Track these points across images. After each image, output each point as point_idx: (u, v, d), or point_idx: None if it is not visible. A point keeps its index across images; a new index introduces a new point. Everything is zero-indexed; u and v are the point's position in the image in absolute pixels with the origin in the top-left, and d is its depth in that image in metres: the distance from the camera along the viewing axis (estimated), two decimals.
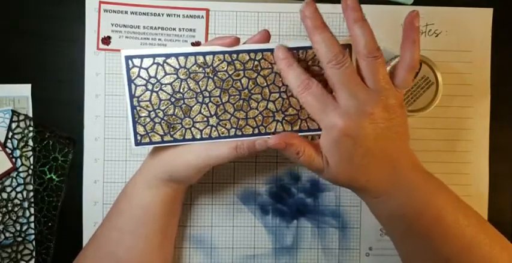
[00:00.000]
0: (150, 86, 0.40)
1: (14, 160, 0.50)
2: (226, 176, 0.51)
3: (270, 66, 0.41)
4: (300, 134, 0.41)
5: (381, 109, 0.38)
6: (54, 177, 0.50)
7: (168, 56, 0.40)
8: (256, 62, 0.41)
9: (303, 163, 0.39)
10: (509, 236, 0.52)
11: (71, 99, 0.51)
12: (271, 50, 0.40)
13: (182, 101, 0.40)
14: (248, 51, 0.40)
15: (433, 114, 0.50)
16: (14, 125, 0.50)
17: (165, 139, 0.40)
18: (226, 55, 0.40)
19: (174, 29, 0.50)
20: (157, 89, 0.40)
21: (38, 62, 0.51)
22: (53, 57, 0.51)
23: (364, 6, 0.51)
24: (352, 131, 0.37)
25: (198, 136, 0.41)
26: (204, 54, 0.40)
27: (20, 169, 0.50)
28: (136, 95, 0.40)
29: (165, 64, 0.40)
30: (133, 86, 0.40)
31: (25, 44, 0.50)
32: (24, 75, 0.50)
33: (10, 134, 0.50)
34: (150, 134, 0.40)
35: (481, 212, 0.51)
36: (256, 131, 0.41)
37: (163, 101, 0.40)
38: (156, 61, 0.40)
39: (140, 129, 0.40)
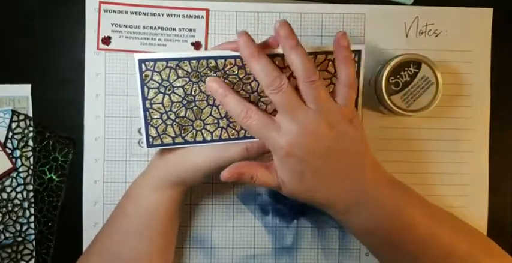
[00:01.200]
0: (162, 89, 0.40)
1: (14, 160, 0.50)
2: None
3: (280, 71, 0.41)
4: None
5: (323, 127, 0.38)
6: (54, 177, 0.50)
7: (181, 60, 0.40)
8: None
9: (260, 185, 0.41)
10: (509, 236, 0.52)
11: (71, 99, 0.51)
12: (282, 55, 0.40)
13: (193, 104, 0.41)
14: None
15: (433, 114, 0.50)
16: (14, 125, 0.50)
17: (177, 140, 0.41)
18: (238, 60, 0.40)
19: (174, 29, 0.50)
20: (170, 91, 0.40)
21: (38, 62, 0.51)
22: (53, 57, 0.51)
23: (364, 6, 0.51)
24: (296, 151, 0.38)
25: (209, 138, 0.41)
26: (216, 58, 0.40)
27: (20, 169, 0.50)
28: (149, 97, 0.40)
29: (177, 68, 0.40)
30: (146, 89, 0.40)
31: (25, 44, 0.50)
32: (24, 75, 0.50)
33: (10, 134, 0.50)
34: (162, 136, 0.41)
35: (481, 212, 0.51)
36: None
37: (175, 104, 0.41)
38: (169, 65, 0.40)
39: (152, 131, 0.41)
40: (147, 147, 0.41)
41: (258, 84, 0.41)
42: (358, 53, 0.42)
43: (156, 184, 0.43)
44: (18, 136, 0.50)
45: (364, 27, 0.51)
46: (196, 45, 0.50)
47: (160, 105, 0.41)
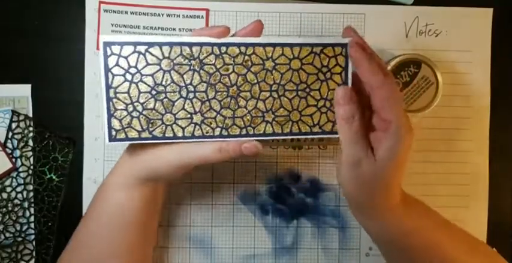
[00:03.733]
0: (129, 77, 0.36)
1: (14, 160, 0.49)
2: (226, 176, 0.51)
3: (261, 62, 0.38)
4: (290, 137, 0.40)
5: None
6: (54, 177, 0.50)
7: (151, 44, 0.36)
8: (246, 57, 0.38)
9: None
10: (509, 236, 0.52)
11: (71, 99, 0.50)
12: (264, 45, 0.38)
13: (164, 95, 0.37)
14: (238, 45, 0.38)
15: (433, 114, 0.50)
16: (14, 125, 0.50)
17: (143, 135, 0.37)
18: (215, 47, 0.37)
19: (174, 29, 0.50)
20: (137, 80, 0.36)
21: (38, 62, 0.51)
22: (53, 57, 0.51)
23: (364, 6, 0.51)
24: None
25: (180, 134, 0.38)
26: (190, 45, 0.37)
27: (20, 169, 0.50)
28: (113, 85, 0.36)
29: (147, 53, 0.36)
30: (110, 76, 0.36)
31: (25, 44, 0.50)
32: (24, 75, 0.50)
33: (10, 134, 0.50)
34: (126, 129, 0.37)
35: (481, 212, 0.51)
36: (244, 131, 0.38)
37: (143, 94, 0.37)
38: (137, 49, 0.36)
39: (115, 124, 0.36)
40: (109, 141, 0.36)
41: (238, 77, 0.38)
42: (345, 47, 0.39)
43: (127, 183, 0.41)
44: (18, 136, 0.50)
45: (364, 27, 0.51)
46: None
47: (126, 94, 0.36)
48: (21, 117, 0.50)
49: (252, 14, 0.51)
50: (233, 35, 0.39)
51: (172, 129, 0.37)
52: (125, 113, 0.36)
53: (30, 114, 0.50)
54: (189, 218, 0.51)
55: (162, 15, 0.50)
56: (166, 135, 0.37)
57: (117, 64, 0.36)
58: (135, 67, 0.36)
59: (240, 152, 0.38)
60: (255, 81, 0.38)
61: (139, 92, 0.37)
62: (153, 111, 0.37)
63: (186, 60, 0.37)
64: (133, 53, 0.36)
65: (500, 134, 0.52)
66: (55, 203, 0.50)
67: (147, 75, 0.36)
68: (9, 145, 0.50)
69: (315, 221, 0.51)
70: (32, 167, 0.50)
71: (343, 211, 0.51)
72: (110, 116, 0.36)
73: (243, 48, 0.38)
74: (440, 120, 0.51)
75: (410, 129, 0.37)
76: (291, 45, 0.39)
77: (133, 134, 0.37)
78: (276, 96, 0.39)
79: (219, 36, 0.37)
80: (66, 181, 0.50)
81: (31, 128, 0.50)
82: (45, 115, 0.50)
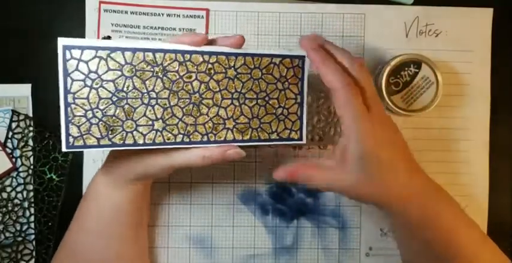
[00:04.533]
0: (89, 82, 0.35)
1: (14, 159, 0.50)
2: (226, 176, 0.51)
3: (223, 71, 0.39)
4: (249, 144, 0.40)
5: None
6: (54, 177, 0.50)
7: (113, 49, 0.35)
8: (209, 65, 0.38)
9: (320, 187, 0.41)
10: (509, 236, 0.52)
11: None
12: (226, 54, 0.39)
13: (125, 101, 0.36)
14: (202, 53, 0.38)
15: (433, 115, 0.50)
16: (14, 125, 0.50)
17: (102, 142, 0.36)
18: (179, 55, 0.37)
19: (174, 29, 0.50)
20: (98, 85, 0.35)
21: (38, 62, 0.51)
22: (53, 57, 0.50)
23: (364, 6, 0.51)
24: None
25: (141, 141, 0.37)
26: (154, 51, 0.36)
27: (20, 169, 0.50)
28: (72, 91, 0.35)
29: (108, 59, 0.35)
30: (69, 81, 0.34)
31: (25, 44, 0.50)
32: (24, 75, 0.50)
33: (10, 134, 0.50)
34: (84, 136, 0.35)
35: (481, 212, 0.51)
36: (205, 138, 0.39)
37: (103, 100, 0.35)
38: (98, 54, 0.35)
39: (74, 131, 0.35)
40: (66, 148, 0.35)
41: (200, 85, 0.38)
42: (302, 58, 0.41)
43: (115, 182, 0.41)
44: (18, 136, 0.50)
45: (364, 27, 0.51)
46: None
47: (86, 100, 0.35)
48: (21, 117, 0.50)
49: (252, 14, 0.51)
50: (210, 43, 0.39)
51: (133, 136, 0.36)
52: (83, 119, 0.35)
53: (30, 114, 0.50)
54: (189, 218, 0.51)
55: (162, 15, 0.50)
56: (127, 142, 0.36)
57: (76, 69, 0.35)
58: (96, 72, 0.35)
59: (223, 159, 0.38)
60: (217, 89, 0.39)
61: (100, 98, 0.35)
62: (113, 117, 0.36)
63: (149, 67, 0.36)
64: (94, 58, 0.35)
65: (500, 134, 0.52)
66: (55, 203, 0.50)
67: (108, 81, 0.35)
68: (9, 144, 0.50)
69: (315, 221, 0.51)
70: (32, 167, 0.50)
71: (343, 211, 0.51)
72: (68, 122, 0.35)
73: (206, 57, 0.38)
74: (440, 120, 0.51)
75: (340, 86, 0.38)
76: (253, 56, 0.40)
77: (91, 141, 0.35)
78: (237, 104, 0.39)
79: (197, 45, 0.37)
80: (66, 180, 0.50)
81: (31, 128, 0.50)
82: (45, 115, 0.50)
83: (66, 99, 0.35)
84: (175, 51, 0.37)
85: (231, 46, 0.39)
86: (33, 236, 0.50)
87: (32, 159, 0.50)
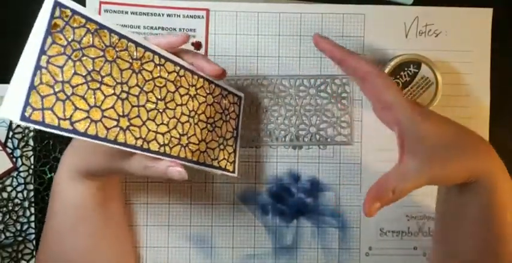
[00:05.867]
0: (69, 51, 0.30)
1: (14, 159, 0.50)
2: (226, 176, 0.51)
3: (187, 87, 0.39)
4: (195, 165, 0.40)
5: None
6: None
7: (102, 26, 0.33)
8: (177, 77, 0.38)
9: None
10: None
11: None
12: (193, 72, 0.39)
13: (98, 85, 0.32)
14: (175, 63, 0.38)
15: None
16: (14, 125, 0.50)
17: (62, 125, 0.29)
18: (156, 56, 0.36)
19: (174, 29, 0.50)
20: (76, 58, 0.31)
21: None
22: None
23: (364, 6, 0.51)
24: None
25: (102, 135, 0.32)
26: (137, 44, 0.35)
27: (21, 169, 0.50)
28: (48, 53, 0.29)
29: (95, 34, 0.32)
30: (49, 40, 0.29)
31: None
32: None
33: (10, 133, 0.50)
34: (45, 111, 0.29)
35: None
36: (162, 150, 0.36)
37: (76, 76, 0.30)
38: (87, 25, 0.32)
39: (35, 100, 0.28)
40: (20, 119, 0.27)
41: (167, 93, 0.37)
42: (239, 98, 0.44)
43: (73, 177, 0.40)
44: (19, 136, 0.50)
45: (364, 28, 0.51)
46: (197, 46, 0.51)
47: (59, 69, 0.30)
48: None
49: (252, 14, 0.51)
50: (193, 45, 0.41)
51: (96, 127, 0.31)
52: (50, 90, 0.29)
53: None
54: (189, 218, 0.51)
55: (162, 15, 0.50)
56: (89, 132, 0.31)
57: (61, 31, 0.30)
58: (79, 43, 0.31)
59: (164, 174, 0.36)
60: (180, 102, 0.39)
61: (74, 73, 0.30)
62: (82, 100, 0.31)
63: (129, 58, 0.34)
64: (82, 26, 0.31)
65: (500, 133, 0.52)
66: None
67: (88, 57, 0.31)
68: (9, 144, 0.50)
69: (315, 221, 0.51)
70: (32, 166, 0.50)
71: (343, 211, 0.51)
72: (32, 88, 0.28)
73: (177, 68, 0.38)
74: None
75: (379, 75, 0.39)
76: (210, 82, 0.42)
77: (51, 119, 0.29)
78: (192, 122, 0.40)
79: (174, 46, 0.38)
80: None
81: (31, 128, 0.50)
82: None
83: (39, 61, 0.29)
84: (154, 52, 0.36)
85: (209, 74, 0.40)
86: (33, 236, 0.50)
87: (32, 159, 0.50)
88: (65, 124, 0.30)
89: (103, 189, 0.43)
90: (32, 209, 0.50)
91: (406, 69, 0.47)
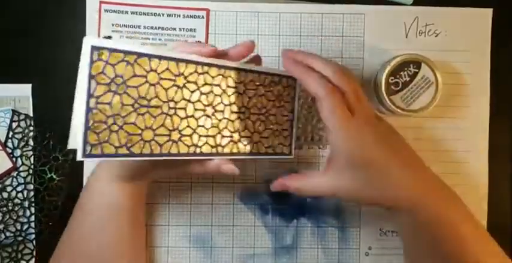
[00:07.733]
0: (113, 87, 0.32)
1: (14, 159, 0.50)
2: (226, 176, 0.51)
3: (234, 85, 0.40)
4: (249, 157, 0.41)
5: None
6: (54, 176, 0.50)
7: (141, 55, 0.34)
8: (223, 79, 0.39)
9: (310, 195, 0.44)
10: (508, 237, 0.52)
11: (72, 99, 0.50)
12: (240, 70, 0.39)
13: (146, 109, 0.34)
14: (219, 67, 0.38)
15: (433, 114, 0.50)
16: (14, 125, 0.50)
17: (120, 151, 0.33)
18: (199, 66, 0.37)
19: (175, 29, 0.51)
20: (122, 91, 0.33)
21: (38, 62, 0.51)
22: (54, 57, 0.51)
23: (364, 6, 0.51)
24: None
25: (157, 151, 0.35)
26: (178, 61, 0.36)
27: (21, 169, 0.50)
28: (95, 94, 0.32)
29: (135, 64, 0.34)
30: (93, 84, 0.32)
31: (25, 44, 0.51)
32: (25, 75, 0.50)
33: (11, 133, 0.50)
34: (103, 145, 0.32)
35: (480, 212, 0.51)
36: (215, 150, 0.39)
37: (125, 107, 0.33)
38: (126, 58, 0.33)
39: (92, 138, 0.32)
40: (82, 157, 0.31)
41: (215, 97, 0.38)
42: (294, 79, 0.43)
43: (114, 178, 0.42)
44: (19, 136, 0.50)
45: (364, 28, 0.51)
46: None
47: (108, 106, 0.32)
48: (22, 117, 0.50)
49: (252, 14, 0.51)
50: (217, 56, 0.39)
51: (150, 146, 0.35)
52: (103, 126, 0.32)
53: (31, 114, 0.50)
54: (189, 218, 0.51)
55: (162, 15, 0.50)
56: (144, 152, 0.34)
57: (103, 72, 0.32)
58: (122, 77, 0.33)
59: (217, 172, 0.39)
60: (228, 102, 0.39)
61: (122, 105, 0.33)
62: (134, 126, 0.34)
63: (172, 76, 0.36)
64: (121, 61, 0.33)
65: (499, 134, 0.52)
66: (55, 202, 0.50)
67: (132, 87, 0.33)
68: (9, 144, 0.50)
69: (315, 220, 0.51)
70: (32, 166, 0.50)
71: (342, 211, 0.51)
72: (87, 128, 0.31)
73: (222, 70, 0.39)
74: (440, 120, 0.51)
75: (326, 94, 0.39)
76: (259, 73, 0.41)
77: (109, 149, 0.32)
78: (243, 117, 0.40)
79: (208, 56, 0.38)
80: (67, 180, 0.50)
81: (32, 128, 0.50)
82: (46, 115, 0.50)
83: (89, 104, 0.31)
84: (196, 63, 0.37)
85: (241, 54, 0.40)
86: (33, 236, 0.50)
87: (32, 159, 0.50)
88: (122, 150, 0.33)
89: (140, 192, 0.44)
90: (32, 209, 0.50)
91: (406, 69, 0.47)
